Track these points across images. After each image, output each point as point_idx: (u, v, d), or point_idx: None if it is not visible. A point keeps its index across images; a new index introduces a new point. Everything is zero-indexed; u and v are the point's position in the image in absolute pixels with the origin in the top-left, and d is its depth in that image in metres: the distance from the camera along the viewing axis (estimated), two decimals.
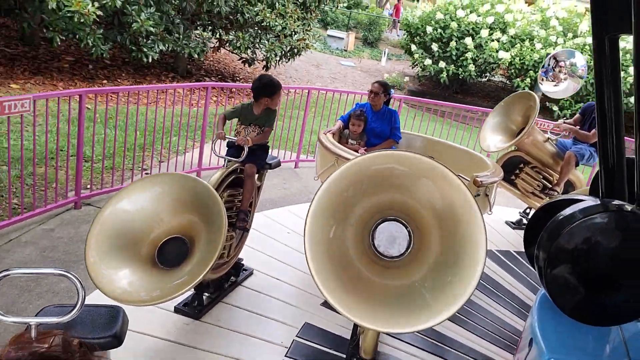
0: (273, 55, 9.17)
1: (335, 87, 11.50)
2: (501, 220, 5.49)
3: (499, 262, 4.53)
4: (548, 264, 1.98)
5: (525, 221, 5.39)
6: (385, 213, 2.29)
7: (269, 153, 3.44)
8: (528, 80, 11.53)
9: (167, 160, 5.48)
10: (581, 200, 2.19)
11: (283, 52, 9.35)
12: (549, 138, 5.07)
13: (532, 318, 2.33)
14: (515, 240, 5.06)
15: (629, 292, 1.94)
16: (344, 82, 12.98)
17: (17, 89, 6.70)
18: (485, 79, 13.76)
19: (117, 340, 1.89)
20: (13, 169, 4.23)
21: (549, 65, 5.11)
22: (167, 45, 7.69)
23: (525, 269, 4.45)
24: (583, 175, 5.50)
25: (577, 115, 5.20)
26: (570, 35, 11.88)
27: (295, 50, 9.51)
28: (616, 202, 2.06)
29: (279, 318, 3.17)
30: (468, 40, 12.05)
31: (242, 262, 3.54)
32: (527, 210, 5.47)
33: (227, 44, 9.01)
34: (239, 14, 8.51)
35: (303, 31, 9.66)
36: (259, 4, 8.71)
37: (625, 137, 2.25)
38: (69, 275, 1.52)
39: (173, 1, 7.74)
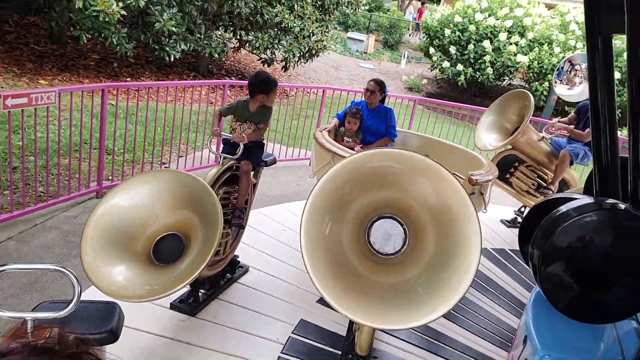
0: (291, 56, 9.26)
1: (352, 88, 11.66)
2: (496, 218, 5.45)
3: (494, 260, 4.50)
4: (542, 261, 1.97)
5: (519, 219, 5.36)
6: (380, 210, 2.28)
7: (265, 150, 3.39)
8: (546, 84, 11.41)
9: (185, 155, 5.63)
10: (575, 199, 2.20)
11: (301, 53, 9.45)
12: (543, 137, 5.03)
13: (527, 315, 2.31)
14: (510, 239, 5.03)
15: (622, 290, 1.94)
16: (362, 84, 12.96)
17: (45, 85, 6.88)
18: (505, 83, 13.59)
19: (113, 335, 1.87)
20: (40, 160, 4.45)
21: (563, 68, 5.13)
22: (188, 45, 7.84)
23: (520, 267, 4.42)
24: (577, 174, 5.52)
25: (572, 114, 5.20)
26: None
27: (313, 51, 9.59)
28: (610, 200, 2.05)
29: (275, 315, 3.15)
30: (486, 44, 11.98)
31: (238, 259, 3.52)
32: (522, 209, 5.43)
33: (247, 45, 9.14)
34: (258, 15, 8.65)
35: (321, 33, 9.74)
36: (279, 5, 8.80)
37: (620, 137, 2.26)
38: (65, 270, 1.50)
39: (196, 2, 7.88)
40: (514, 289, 4.11)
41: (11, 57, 7.52)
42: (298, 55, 9.43)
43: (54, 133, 4.91)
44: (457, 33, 12.40)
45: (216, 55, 8.38)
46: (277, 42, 9.22)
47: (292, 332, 3.00)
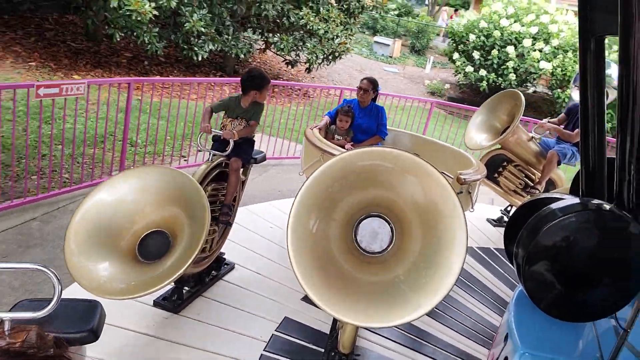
0: (314, 58, 9.31)
1: None
2: (483, 217, 5.41)
3: (479, 258, 4.45)
4: (527, 260, 1.96)
5: (506, 219, 5.30)
6: (368, 209, 2.25)
7: (254, 147, 3.34)
8: (568, 91, 11.16)
9: (204, 150, 5.80)
10: (561, 199, 2.20)
11: (325, 55, 9.48)
12: (532, 137, 4.96)
13: (509, 314, 2.29)
14: (496, 238, 4.98)
15: (606, 290, 1.92)
16: (385, 88, 12.88)
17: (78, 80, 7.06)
18: (530, 90, 13.32)
19: (93, 334, 1.79)
20: (67, 148, 4.66)
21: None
22: (216, 45, 7.96)
23: (504, 266, 4.36)
24: (565, 174, 5.46)
25: (562, 114, 5.13)
26: (614, 47, 11.67)
27: (336, 53, 9.61)
28: (595, 201, 2.03)
29: (259, 312, 3.09)
30: (510, 49, 11.79)
31: (224, 256, 3.45)
32: (508, 208, 5.37)
33: (273, 46, 9.24)
34: (285, 18, 8.72)
35: (345, 36, 9.76)
36: (304, 8, 8.85)
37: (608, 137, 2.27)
38: (46, 270, 1.46)
39: (226, 4, 8.04)
40: (498, 287, 4.07)
41: (49, 52, 7.76)
42: (321, 57, 9.48)
43: (82, 125, 5.06)
44: (482, 38, 12.25)
45: (242, 56, 8.50)
46: (301, 44, 9.30)
47: (275, 330, 2.96)
